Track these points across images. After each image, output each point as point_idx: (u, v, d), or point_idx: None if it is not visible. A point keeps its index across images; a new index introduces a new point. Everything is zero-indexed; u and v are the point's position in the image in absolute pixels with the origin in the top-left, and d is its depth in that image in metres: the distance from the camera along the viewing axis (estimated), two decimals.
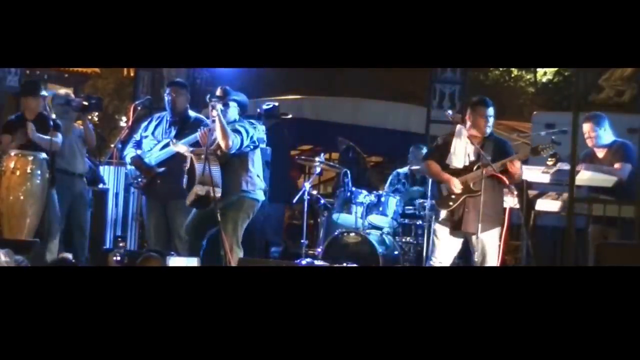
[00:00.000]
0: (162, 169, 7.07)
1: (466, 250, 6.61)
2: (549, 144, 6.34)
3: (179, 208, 6.98)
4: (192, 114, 7.31)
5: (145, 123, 7.36)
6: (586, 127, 6.63)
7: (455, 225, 6.34)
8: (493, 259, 6.25)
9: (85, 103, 7.49)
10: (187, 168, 6.63)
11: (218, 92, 6.68)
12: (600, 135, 6.62)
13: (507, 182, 6.29)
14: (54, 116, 7.09)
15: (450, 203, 6.35)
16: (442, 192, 6.45)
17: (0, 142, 7.25)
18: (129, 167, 7.27)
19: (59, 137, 7.12)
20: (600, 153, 6.66)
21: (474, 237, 6.25)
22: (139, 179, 7.18)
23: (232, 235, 6.60)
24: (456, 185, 6.29)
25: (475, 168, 6.30)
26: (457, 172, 6.36)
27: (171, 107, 7.19)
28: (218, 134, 6.44)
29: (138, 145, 7.25)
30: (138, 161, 7.16)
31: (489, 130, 6.35)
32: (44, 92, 7.28)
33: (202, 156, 6.47)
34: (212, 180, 6.38)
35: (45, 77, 10.70)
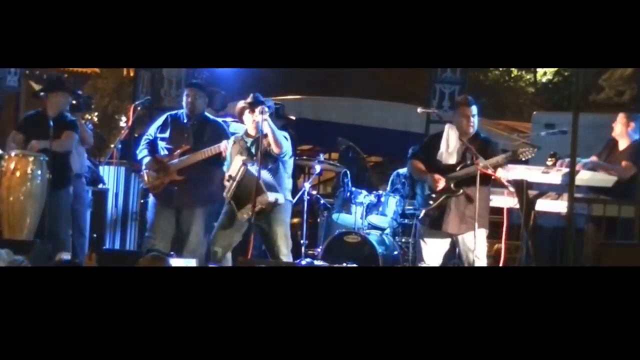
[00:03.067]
0: (181, 177, 6.90)
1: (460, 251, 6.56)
2: (527, 147, 6.26)
3: (197, 216, 6.93)
4: (209, 116, 7.23)
5: (159, 123, 7.13)
6: (622, 117, 6.58)
7: (436, 225, 6.31)
8: (479, 261, 6.18)
9: (74, 102, 7.42)
10: (240, 176, 6.51)
11: (249, 99, 6.66)
12: (637, 129, 6.60)
13: (504, 182, 6.27)
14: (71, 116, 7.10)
15: (430, 202, 6.31)
16: (424, 192, 6.42)
17: (13, 140, 7.07)
18: (144, 170, 7.07)
19: (75, 136, 7.16)
20: (623, 144, 6.62)
21: (459, 238, 6.23)
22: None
23: (285, 239, 6.67)
24: (438, 182, 6.24)
25: (458, 168, 6.26)
26: (442, 172, 6.30)
27: (189, 109, 7.02)
28: (270, 138, 6.48)
29: (152, 147, 7.06)
30: (156, 164, 6.99)
31: (472, 130, 6.31)
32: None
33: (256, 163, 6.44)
34: (279, 185, 6.48)
35: (45, 77, 10.66)
